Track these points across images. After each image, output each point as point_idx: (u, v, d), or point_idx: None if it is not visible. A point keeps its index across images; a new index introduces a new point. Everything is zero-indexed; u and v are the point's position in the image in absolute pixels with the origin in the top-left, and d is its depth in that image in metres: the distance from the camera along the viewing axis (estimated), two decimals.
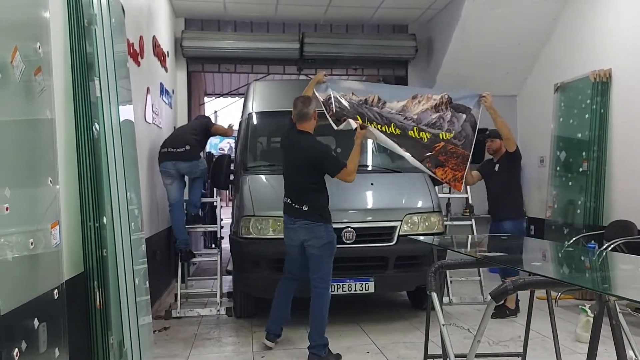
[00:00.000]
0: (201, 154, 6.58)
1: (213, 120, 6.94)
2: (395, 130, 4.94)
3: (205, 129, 6.44)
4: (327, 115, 4.92)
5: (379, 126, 4.91)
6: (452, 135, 5.00)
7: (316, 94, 4.97)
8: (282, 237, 5.09)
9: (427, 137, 4.97)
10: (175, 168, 5.99)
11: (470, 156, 4.95)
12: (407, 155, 4.89)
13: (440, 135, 4.99)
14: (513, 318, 5.48)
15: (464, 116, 5.08)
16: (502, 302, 5.30)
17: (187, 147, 6.00)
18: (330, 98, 4.97)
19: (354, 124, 4.81)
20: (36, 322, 2.28)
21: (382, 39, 8.60)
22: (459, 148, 4.97)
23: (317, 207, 4.47)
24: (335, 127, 4.91)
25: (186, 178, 6.30)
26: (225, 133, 6.71)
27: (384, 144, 4.98)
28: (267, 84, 7.21)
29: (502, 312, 5.45)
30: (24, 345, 2.14)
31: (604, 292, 2.35)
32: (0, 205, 2.00)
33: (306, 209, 4.46)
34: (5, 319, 2.00)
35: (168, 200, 6.18)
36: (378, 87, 4.97)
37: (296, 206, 4.50)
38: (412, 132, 4.98)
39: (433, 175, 5.01)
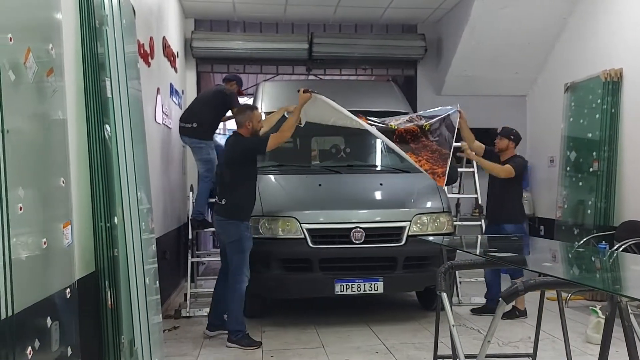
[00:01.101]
0: (214, 136, 6.37)
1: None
2: (365, 120, 5.06)
3: (223, 106, 6.19)
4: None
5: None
6: (429, 126, 5.06)
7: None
8: (293, 237, 5.12)
9: (393, 126, 5.11)
10: (185, 142, 6.09)
11: (451, 155, 5.03)
12: (366, 125, 4.95)
13: (418, 124, 5.13)
14: (523, 319, 5.45)
15: (439, 118, 5.19)
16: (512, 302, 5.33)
17: (194, 125, 5.97)
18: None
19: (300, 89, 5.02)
20: (49, 320, 2.30)
21: (391, 39, 8.58)
22: (433, 144, 5.03)
23: (234, 204, 4.76)
24: (301, 124, 5.15)
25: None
26: None
27: (337, 113, 5.00)
28: (276, 84, 7.22)
29: (512, 313, 5.43)
30: (37, 343, 2.16)
31: (615, 293, 2.33)
32: (14, 205, 2.02)
33: (223, 203, 4.80)
34: (19, 317, 2.02)
35: None
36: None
37: (217, 201, 4.91)
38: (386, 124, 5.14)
39: (400, 152, 5.04)
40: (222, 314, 5.03)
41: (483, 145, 5.69)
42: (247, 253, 4.78)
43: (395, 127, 5.06)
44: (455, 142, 5.11)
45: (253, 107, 5.14)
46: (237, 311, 4.78)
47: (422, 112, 5.57)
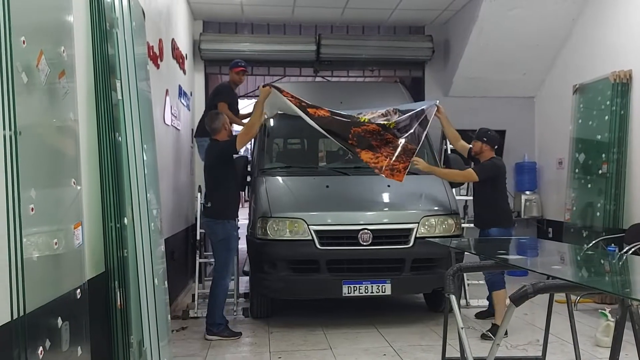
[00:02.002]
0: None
1: (226, 98, 6.33)
2: (328, 113, 5.08)
3: (213, 98, 6.23)
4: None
5: (313, 110, 5.06)
6: (393, 124, 5.10)
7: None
8: (300, 238, 5.12)
9: (364, 119, 5.14)
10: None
11: (418, 150, 5.06)
12: (317, 127, 5.01)
13: (379, 124, 5.13)
14: (529, 320, 5.42)
15: (413, 114, 5.22)
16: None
17: (198, 123, 6.32)
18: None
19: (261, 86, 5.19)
20: (59, 321, 2.32)
21: (399, 40, 8.56)
22: (398, 140, 5.04)
23: (218, 205, 5.05)
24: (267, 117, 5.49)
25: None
26: (229, 117, 5.98)
27: (293, 112, 5.15)
28: (284, 87, 7.22)
29: (485, 313, 5.52)
30: (47, 343, 2.17)
31: (626, 297, 2.32)
32: (25, 206, 2.04)
33: (209, 205, 5.10)
34: (30, 317, 2.03)
35: None
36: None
37: (203, 203, 5.24)
38: (351, 117, 5.15)
39: (355, 155, 5.09)
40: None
41: (467, 146, 5.51)
42: (234, 251, 5.10)
43: (366, 120, 5.11)
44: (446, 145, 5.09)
45: (220, 112, 5.41)
46: (220, 305, 5.04)
47: (400, 105, 5.48)
